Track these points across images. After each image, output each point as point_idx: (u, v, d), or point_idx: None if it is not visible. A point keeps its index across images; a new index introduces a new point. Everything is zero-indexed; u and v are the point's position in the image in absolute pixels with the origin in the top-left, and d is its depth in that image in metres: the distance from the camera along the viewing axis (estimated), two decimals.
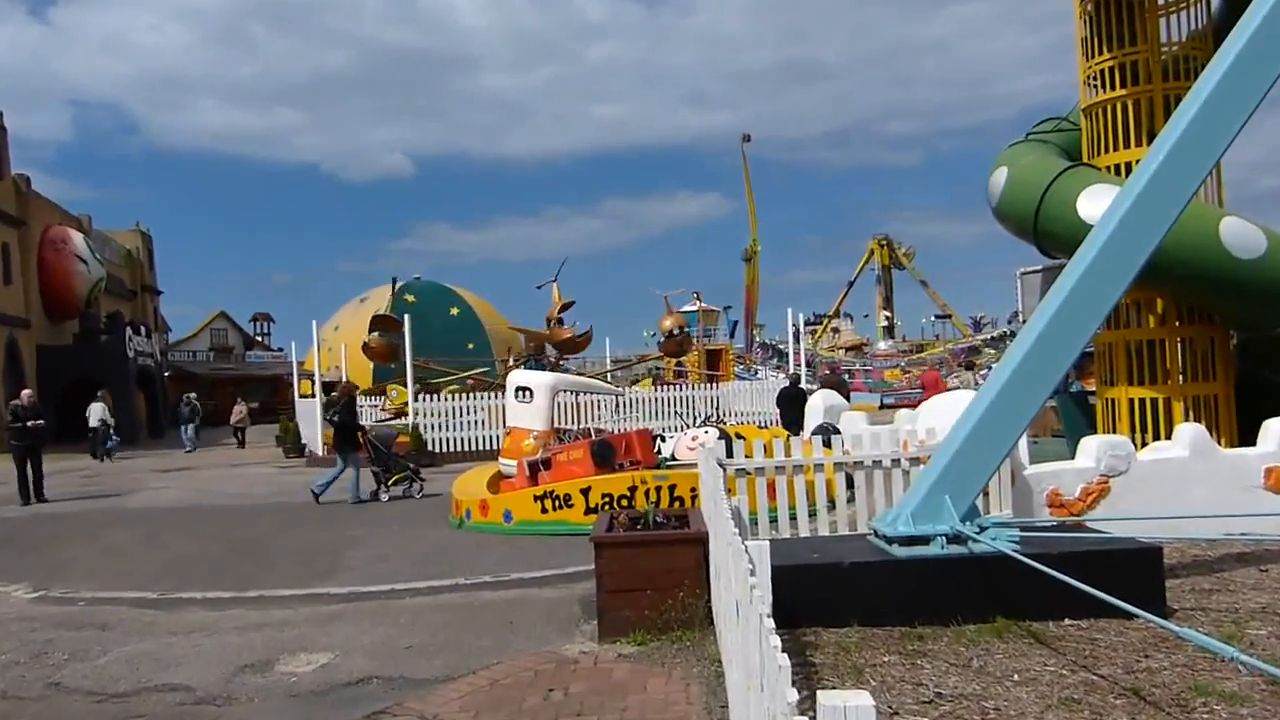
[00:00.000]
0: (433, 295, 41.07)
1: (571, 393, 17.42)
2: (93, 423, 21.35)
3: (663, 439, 10.66)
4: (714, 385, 20.86)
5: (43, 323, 26.92)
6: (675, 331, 22.24)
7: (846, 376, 29.30)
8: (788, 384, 16.18)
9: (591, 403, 18.49)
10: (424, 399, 18.29)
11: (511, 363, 22.07)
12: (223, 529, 10.06)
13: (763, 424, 18.03)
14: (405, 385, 17.59)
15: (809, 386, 19.22)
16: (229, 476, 16.47)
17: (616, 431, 12.92)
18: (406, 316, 18.35)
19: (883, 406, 28.51)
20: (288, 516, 10.98)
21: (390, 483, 12.18)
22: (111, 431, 21.49)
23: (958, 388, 20.40)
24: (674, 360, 24.61)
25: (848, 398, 15.96)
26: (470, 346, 33.81)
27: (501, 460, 11.11)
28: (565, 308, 21.75)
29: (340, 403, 12.65)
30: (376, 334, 19.91)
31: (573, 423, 17.44)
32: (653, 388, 21.02)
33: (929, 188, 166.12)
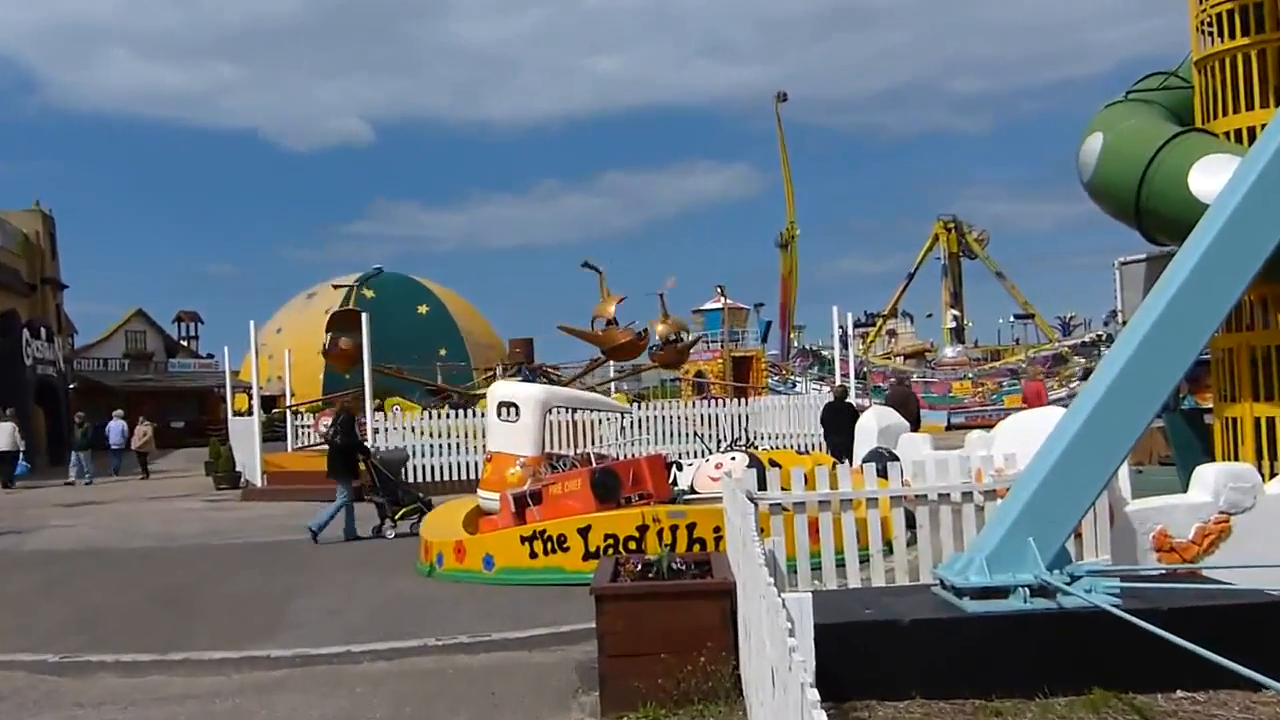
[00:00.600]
0: (397, 290, 41.04)
1: (568, 410, 17.49)
2: (2, 446, 21.57)
3: (679, 467, 10.78)
4: (742, 400, 20.96)
5: None
6: (672, 338, 22.59)
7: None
8: (833, 398, 16.23)
9: (592, 422, 18.60)
10: (384, 417, 18.47)
11: (500, 372, 22.17)
12: (141, 575, 10.10)
13: (803, 448, 17.91)
14: (366, 398, 17.73)
15: (860, 402, 19.24)
16: (149, 513, 16.51)
17: (622, 458, 12.99)
18: (365, 317, 18.40)
19: (950, 427, 28.64)
20: (220, 560, 11.09)
21: (398, 516, 12.41)
22: (22, 456, 21.67)
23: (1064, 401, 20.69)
24: (691, 370, 24.35)
25: (916, 417, 15.89)
26: (443, 353, 34.15)
27: (481, 493, 11.18)
28: (617, 303, 22.33)
29: (339, 421, 12.90)
30: (343, 336, 20.06)
31: (569, 446, 17.67)
32: (669, 402, 20.96)
33: (1005, 158, 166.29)
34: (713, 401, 21.26)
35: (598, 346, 21.71)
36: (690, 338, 23.97)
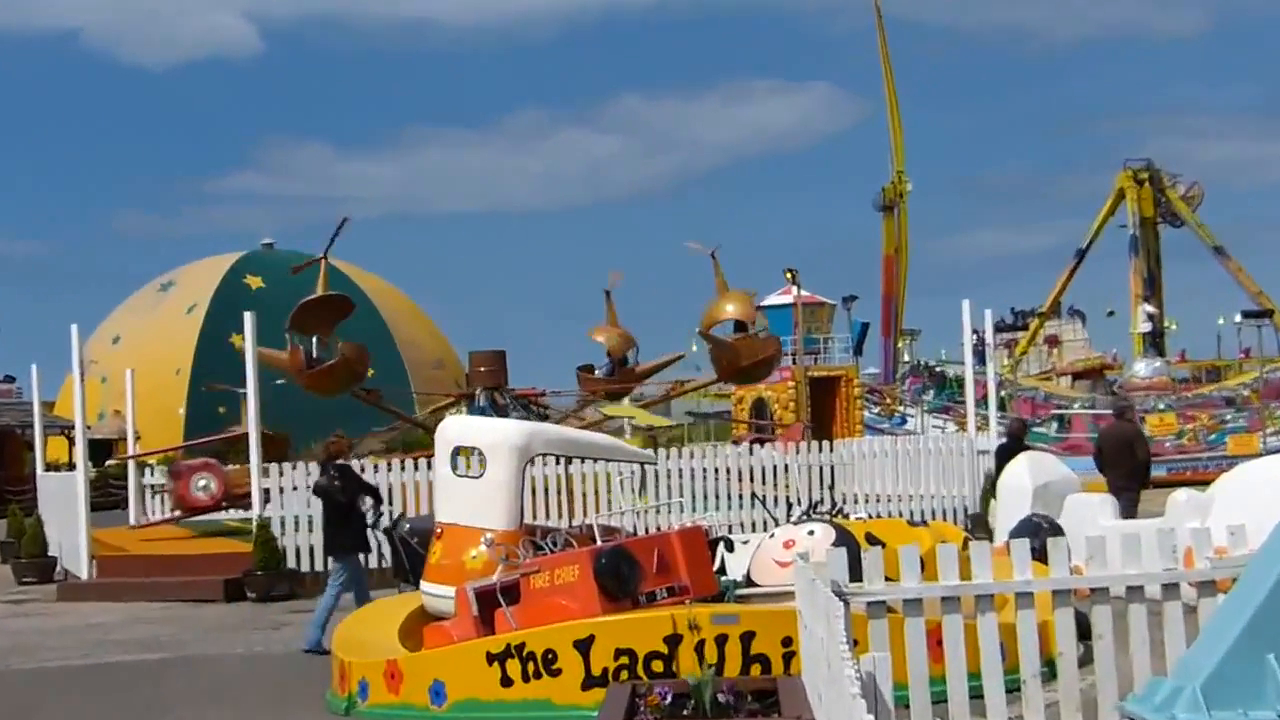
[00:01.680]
0: (298, 280, 41.52)
1: (559, 459, 17.72)
2: None
3: (730, 546, 10.94)
4: (827, 444, 21.28)
5: None
6: (625, 360, 23.43)
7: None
8: (1005, 437, 16.80)
9: (595, 477, 18.89)
10: (280, 472, 18.81)
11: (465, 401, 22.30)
12: None
13: (918, 515, 18.10)
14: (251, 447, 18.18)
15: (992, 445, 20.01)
16: None
17: (643, 532, 13.20)
18: (248, 317, 18.75)
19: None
20: (21, 700, 11.07)
21: None
22: None
23: None
24: (746, 399, 24.63)
25: (1145, 469, 15.87)
26: (369, 374, 34.44)
27: (426, 587, 11.30)
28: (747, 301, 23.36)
29: (333, 469, 13.54)
30: (318, 335, 20.84)
31: (561, 515, 17.79)
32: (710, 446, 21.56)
33: (1225, 75, 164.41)
34: (781, 446, 21.32)
35: (725, 363, 22.81)
36: (763, 335, 24.63)
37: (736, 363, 23.48)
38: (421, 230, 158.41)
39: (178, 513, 20.60)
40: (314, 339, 21.65)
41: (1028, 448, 15.93)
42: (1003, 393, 34.39)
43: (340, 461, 13.91)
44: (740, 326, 23.57)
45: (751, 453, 20.96)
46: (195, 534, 20.72)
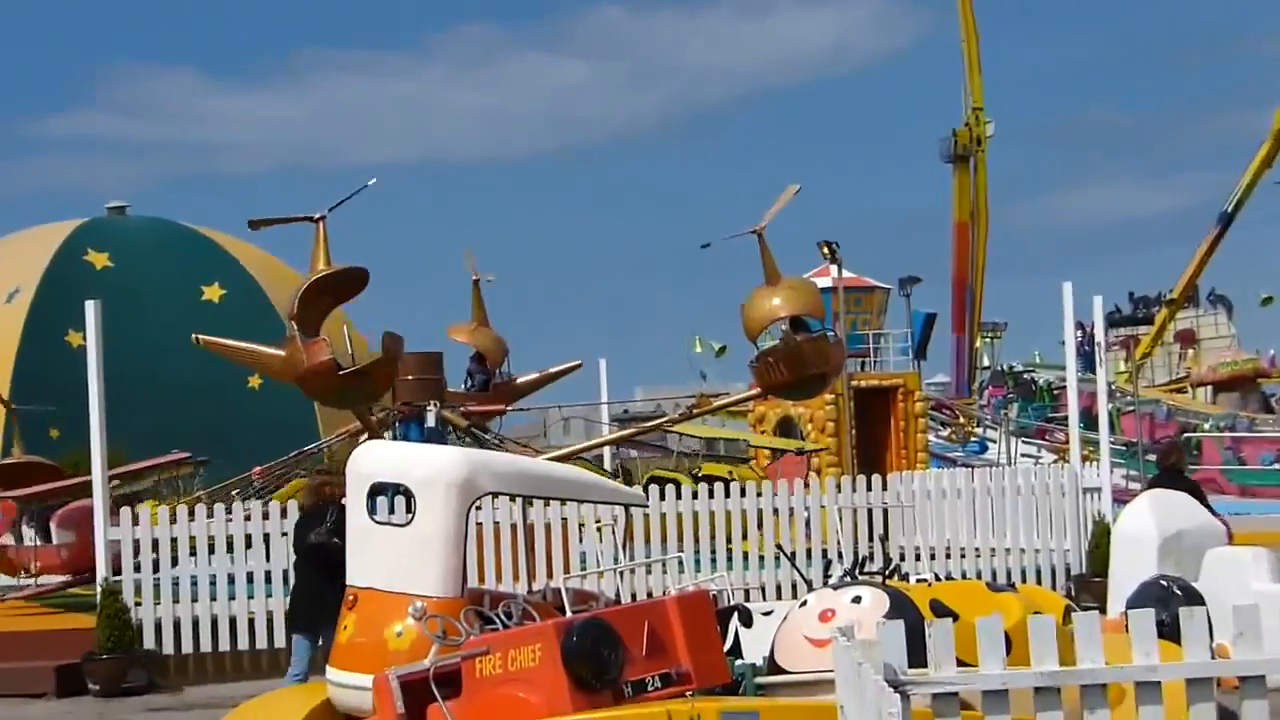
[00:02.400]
0: (160, 254, 41.51)
1: (514, 498, 17.70)
2: None
3: (747, 617, 11.12)
4: (877, 478, 21.39)
5: None
6: (475, 372, 24.30)
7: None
8: (1157, 466, 16.87)
9: (565, 524, 19.29)
10: (132, 517, 19.05)
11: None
12: None
13: (999, 574, 18.62)
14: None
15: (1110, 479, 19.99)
16: None
17: (627, 599, 13.30)
18: (90, 307, 18.91)
19: None
20: None
21: None
22: None
23: None
24: (769, 417, 24.37)
25: None
26: (254, 384, 34.55)
27: (334, 674, 11.37)
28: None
29: (331, 516, 14.19)
30: (319, 319, 21.26)
31: (517, 574, 18.03)
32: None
33: None
34: (813, 481, 21.53)
35: (784, 371, 23.12)
36: (833, 337, 25.03)
37: (802, 371, 23.55)
38: (324, 188, 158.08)
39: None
40: (298, 329, 21.75)
41: (1187, 483, 15.82)
42: (1110, 406, 34.38)
43: (335, 511, 14.07)
44: (798, 325, 23.67)
45: (774, 493, 20.77)
46: (45, 606, 20.90)
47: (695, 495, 21.14)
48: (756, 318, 23.62)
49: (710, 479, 25.05)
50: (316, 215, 22.67)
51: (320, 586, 14.39)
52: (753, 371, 24.71)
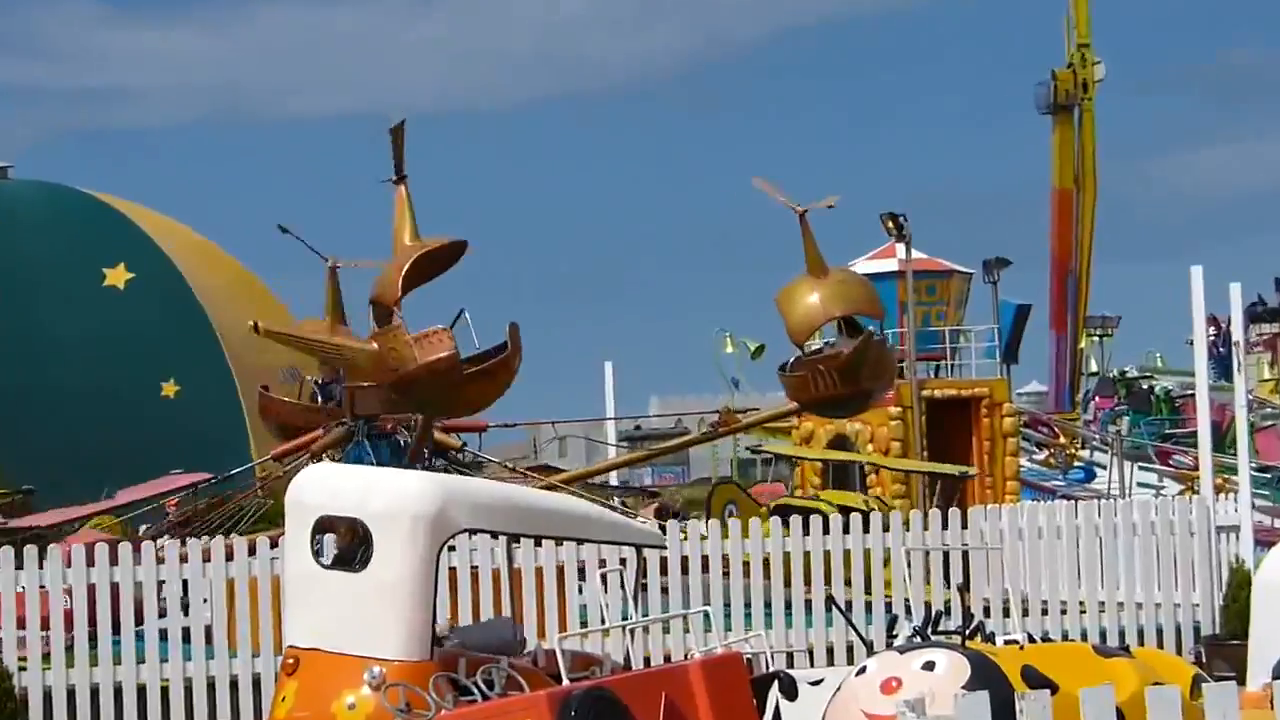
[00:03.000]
0: (48, 225, 42.08)
1: (497, 536, 17.77)
2: None
3: (790, 687, 11.69)
4: (955, 512, 21.84)
5: None
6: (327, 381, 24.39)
7: None
8: None
9: (561, 569, 20.02)
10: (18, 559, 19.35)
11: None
12: None
13: (1109, 635, 19.43)
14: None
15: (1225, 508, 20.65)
16: None
17: (640, 663, 13.08)
18: None
19: None
20: None
21: None
22: None
23: None
24: (818, 435, 24.50)
25: None
26: (168, 391, 34.42)
27: None
28: None
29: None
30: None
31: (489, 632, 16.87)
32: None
33: None
34: (874, 514, 22.03)
35: (833, 382, 24.46)
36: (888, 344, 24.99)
37: (858, 385, 24.64)
38: (253, 146, 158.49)
39: None
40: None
41: None
42: (1249, 419, 34.46)
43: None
44: (851, 327, 24.54)
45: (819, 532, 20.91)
46: None
47: (725, 532, 21.60)
48: (801, 315, 24.03)
49: (845, 510, 25.36)
50: (390, 179, 23.48)
51: None
52: (788, 381, 24.94)
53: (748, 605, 20.63)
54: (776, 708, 10.85)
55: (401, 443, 23.51)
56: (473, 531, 15.40)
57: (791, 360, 27.97)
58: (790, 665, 14.16)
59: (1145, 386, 44.50)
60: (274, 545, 19.22)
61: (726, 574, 21.37)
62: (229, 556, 19.82)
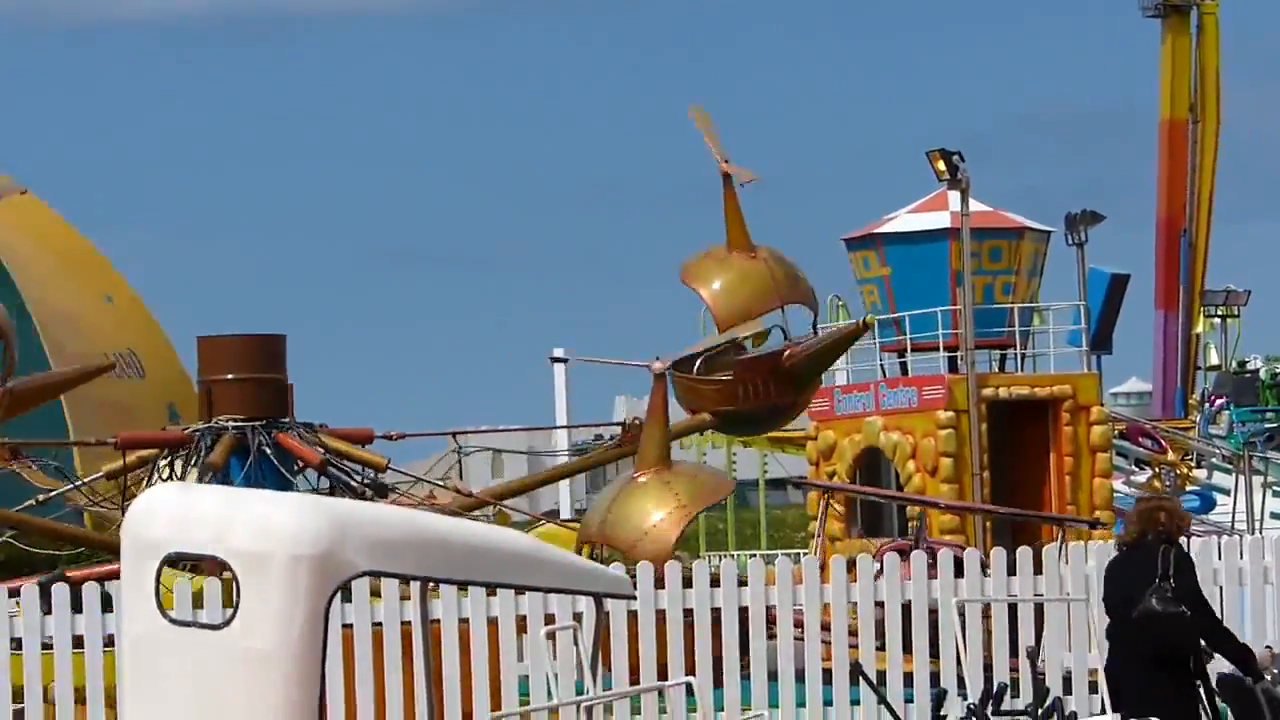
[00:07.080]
0: None
1: (408, 581, 17.27)
2: None
3: None
4: (1023, 552, 19.96)
5: None
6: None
7: None
8: None
9: (494, 626, 19.23)
10: None
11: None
12: None
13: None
14: None
15: None
16: None
17: None
18: None
19: None
20: None
21: None
22: None
23: None
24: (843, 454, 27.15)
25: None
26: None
27: None
28: None
29: (1154, 555, 14.43)
30: None
31: (413, 711, 18.23)
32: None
33: None
34: (925, 545, 22.07)
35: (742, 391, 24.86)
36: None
37: (797, 393, 24.97)
38: (65, 59, 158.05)
39: None
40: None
41: None
42: None
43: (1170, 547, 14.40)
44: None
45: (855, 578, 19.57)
46: None
47: (716, 574, 20.43)
48: (740, 301, 24.49)
49: None
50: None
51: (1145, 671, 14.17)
52: (691, 387, 24.27)
53: (745, 673, 19.33)
54: None
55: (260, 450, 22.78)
56: (375, 574, 12.02)
57: (699, 356, 26.85)
58: None
59: (1249, 372, 41.77)
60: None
61: (717, 632, 20.12)
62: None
